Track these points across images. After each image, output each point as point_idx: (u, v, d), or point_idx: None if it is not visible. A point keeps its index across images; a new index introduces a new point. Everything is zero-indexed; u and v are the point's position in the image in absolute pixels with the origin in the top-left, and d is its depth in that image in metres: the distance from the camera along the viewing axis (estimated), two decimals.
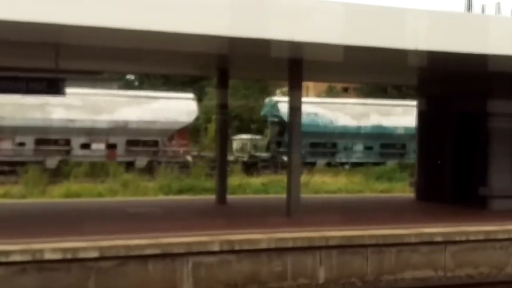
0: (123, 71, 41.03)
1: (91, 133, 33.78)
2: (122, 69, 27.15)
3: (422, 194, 21.33)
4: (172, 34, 12.77)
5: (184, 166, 32.71)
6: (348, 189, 26.43)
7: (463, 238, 14.33)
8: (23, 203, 19.78)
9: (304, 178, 22.58)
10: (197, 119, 38.83)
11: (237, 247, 12.51)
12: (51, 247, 11.28)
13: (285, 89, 43.57)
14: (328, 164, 37.10)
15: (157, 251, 11.92)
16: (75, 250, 11.36)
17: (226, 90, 19.80)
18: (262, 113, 42.51)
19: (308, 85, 57.41)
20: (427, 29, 14.40)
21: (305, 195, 18.09)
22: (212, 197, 20.24)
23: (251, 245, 12.63)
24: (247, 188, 25.51)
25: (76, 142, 33.63)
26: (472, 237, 14.41)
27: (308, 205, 17.43)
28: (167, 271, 12.02)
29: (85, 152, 33.72)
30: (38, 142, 32.96)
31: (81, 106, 33.75)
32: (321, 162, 37.30)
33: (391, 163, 36.53)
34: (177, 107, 35.78)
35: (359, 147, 39.31)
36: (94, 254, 11.45)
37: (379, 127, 39.48)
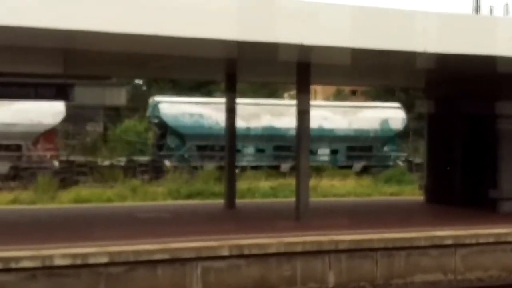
0: (131, 76, 41.14)
1: None
2: (130, 74, 27.20)
3: (431, 196, 21.26)
4: (180, 39, 12.77)
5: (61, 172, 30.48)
6: (356, 192, 26.37)
7: (473, 241, 14.26)
8: (33, 209, 19.81)
9: (312, 182, 22.53)
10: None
11: (246, 252, 12.48)
12: (60, 253, 11.29)
13: (293, 92, 43.60)
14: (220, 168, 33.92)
15: (166, 256, 11.91)
16: (84, 255, 11.36)
17: (234, 94, 19.79)
18: (147, 115, 39.38)
19: (316, 88, 57.49)
20: (436, 31, 14.37)
21: (313, 199, 18.07)
22: (221, 201, 20.24)
23: (260, 249, 12.61)
24: (256, 192, 25.49)
25: None
26: (482, 240, 14.34)
27: (317, 209, 17.41)
28: (176, 276, 12.01)
29: None
30: None
31: None
32: (209, 165, 34.47)
33: (285, 167, 34.73)
34: (41, 109, 33.03)
35: (250, 149, 36.85)
36: (104, 260, 11.45)
37: (271, 128, 36.84)
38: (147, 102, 38.96)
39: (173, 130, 35.65)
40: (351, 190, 26.76)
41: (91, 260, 11.37)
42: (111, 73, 22.02)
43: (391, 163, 38.12)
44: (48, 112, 33.13)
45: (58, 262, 11.17)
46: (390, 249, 13.57)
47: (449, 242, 14.05)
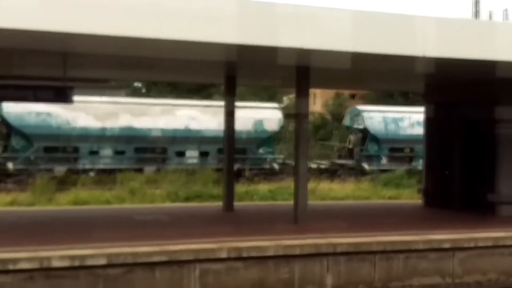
0: (130, 79, 41.08)
1: None
2: (130, 77, 27.19)
3: (430, 200, 21.27)
4: (181, 42, 12.79)
5: None
6: (355, 195, 26.37)
7: (471, 244, 14.29)
8: (31, 210, 19.80)
9: (310, 185, 22.52)
10: None
11: (244, 254, 12.50)
12: (58, 255, 11.30)
13: (292, 95, 43.66)
14: (71, 171, 31.84)
15: (164, 258, 11.92)
16: (82, 257, 11.38)
17: (234, 97, 19.80)
18: None
19: (315, 92, 57.58)
20: (435, 36, 14.39)
21: (312, 202, 18.07)
22: (219, 204, 20.25)
23: (258, 252, 12.63)
24: (254, 195, 25.49)
25: None
26: (480, 244, 14.37)
27: (315, 212, 17.41)
28: (174, 278, 12.02)
29: None
30: None
31: None
32: (60, 169, 32.05)
33: (149, 169, 33.09)
34: None
35: (107, 151, 34.17)
36: (102, 262, 11.46)
37: (130, 128, 34.22)
38: None
39: (17, 130, 32.71)
40: (350, 193, 26.76)
41: (89, 262, 11.38)
42: (110, 76, 21.97)
43: (266, 166, 36.06)
44: None
45: (56, 263, 11.19)
46: (388, 252, 13.59)
47: (447, 245, 14.07)
